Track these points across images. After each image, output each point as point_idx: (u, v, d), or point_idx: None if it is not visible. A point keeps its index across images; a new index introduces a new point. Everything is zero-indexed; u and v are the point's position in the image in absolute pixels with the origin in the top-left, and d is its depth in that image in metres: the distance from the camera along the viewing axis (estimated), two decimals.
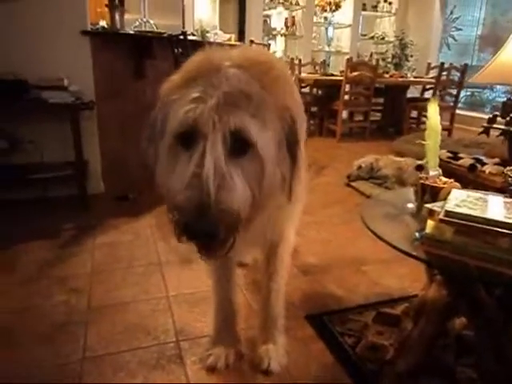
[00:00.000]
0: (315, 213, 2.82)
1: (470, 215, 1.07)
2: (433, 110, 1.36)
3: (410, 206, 1.46)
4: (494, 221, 1.04)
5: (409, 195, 1.52)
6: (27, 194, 2.84)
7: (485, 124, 1.24)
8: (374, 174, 3.33)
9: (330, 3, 7.13)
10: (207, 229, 0.80)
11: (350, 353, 1.50)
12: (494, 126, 1.22)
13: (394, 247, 1.17)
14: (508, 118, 1.22)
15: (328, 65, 7.33)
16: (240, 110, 0.84)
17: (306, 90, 5.96)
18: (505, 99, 5.15)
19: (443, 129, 1.33)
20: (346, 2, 7.25)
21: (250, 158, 0.87)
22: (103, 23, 3.41)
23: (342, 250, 2.34)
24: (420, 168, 2.40)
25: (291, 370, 1.42)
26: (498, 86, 6.92)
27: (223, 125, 0.82)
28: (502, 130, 1.22)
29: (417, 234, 1.21)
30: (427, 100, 5.63)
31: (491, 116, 1.22)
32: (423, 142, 1.39)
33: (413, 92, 6.38)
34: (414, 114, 6.02)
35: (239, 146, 0.85)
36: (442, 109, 5.42)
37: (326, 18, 7.32)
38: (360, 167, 3.38)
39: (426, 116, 5.29)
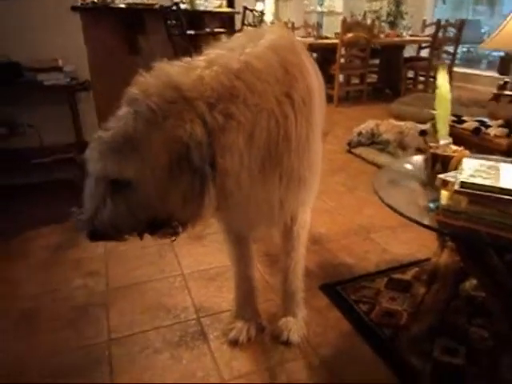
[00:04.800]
0: (320, 182, 2.83)
1: (484, 185, 1.09)
2: (442, 78, 1.35)
3: (420, 175, 1.47)
4: (508, 190, 1.06)
5: (417, 164, 1.53)
6: (30, 179, 2.83)
7: (495, 91, 1.23)
8: (376, 140, 3.32)
9: None
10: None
11: (365, 320, 1.56)
12: (506, 92, 1.22)
13: (410, 219, 1.19)
14: None
15: (321, 26, 7.15)
16: (117, 154, 0.94)
17: None
18: (502, 54, 5.05)
19: None
20: None
21: (132, 188, 0.97)
22: None
23: (349, 219, 2.37)
24: (424, 133, 2.41)
25: (310, 339, 1.48)
26: None
27: (101, 170, 0.97)
28: None
29: (431, 205, 1.23)
30: (424, 59, 5.53)
31: (502, 83, 1.21)
32: (433, 112, 1.39)
33: (409, 51, 6.26)
34: (411, 74, 5.93)
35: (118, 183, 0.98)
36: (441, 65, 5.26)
37: None
38: (360, 133, 3.37)
39: (422, 76, 5.20)
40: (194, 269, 1.92)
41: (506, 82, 1.21)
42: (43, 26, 2.68)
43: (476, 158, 1.41)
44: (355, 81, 6.05)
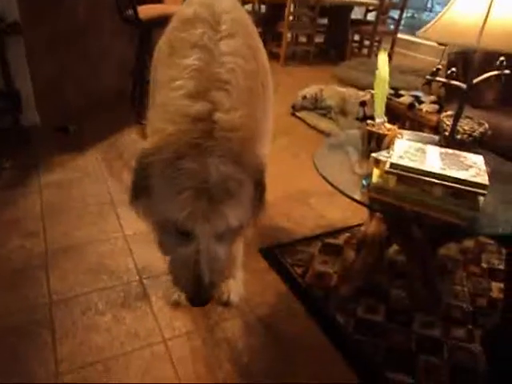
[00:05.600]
0: None
1: (411, 167, 1.20)
2: (382, 61, 1.43)
3: (356, 150, 1.57)
4: (431, 173, 1.18)
5: (356, 139, 1.63)
6: None
7: (428, 76, 1.33)
8: (318, 105, 3.41)
9: None
10: (204, 301, 1.04)
11: (299, 281, 1.69)
12: (437, 78, 1.32)
13: (344, 193, 1.30)
14: (449, 72, 1.31)
15: None
16: (223, 207, 0.94)
17: (249, 7, 5.67)
18: None
19: None
20: None
21: (228, 233, 1.03)
22: None
23: (289, 184, 2.47)
24: (363, 104, 2.52)
25: (249, 300, 1.59)
26: (438, 8, 7.03)
27: (212, 227, 0.97)
28: (443, 82, 1.32)
29: (364, 182, 1.33)
30: (370, 23, 5.57)
31: (434, 69, 1.31)
32: (371, 91, 1.47)
33: (356, 14, 6.31)
34: (357, 37, 6.01)
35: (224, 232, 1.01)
36: (383, 34, 5.40)
37: None
38: (305, 97, 3.43)
39: (367, 39, 5.26)
40: (136, 230, 1.94)
41: (438, 69, 1.30)
42: None
43: (408, 137, 1.53)
44: (302, 40, 6.03)
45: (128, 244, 1.85)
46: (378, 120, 1.51)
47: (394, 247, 1.76)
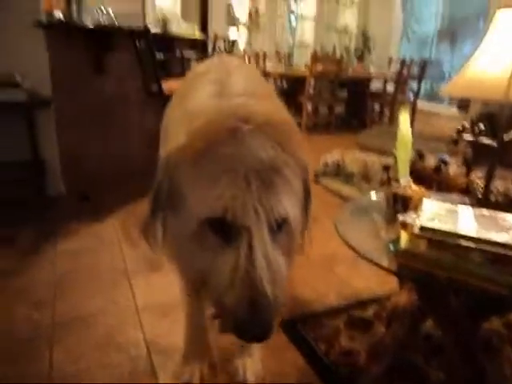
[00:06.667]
0: None
1: (443, 231, 1.09)
2: (404, 121, 1.37)
3: (382, 214, 1.47)
4: (467, 236, 1.06)
5: (380, 203, 1.54)
6: None
7: (454, 134, 1.26)
8: (341, 171, 3.37)
9: None
10: (265, 329, 0.73)
11: (323, 359, 1.51)
12: (465, 136, 1.24)
13: (369, 260, 1.18)
14: (476, 130, 1.24)
15: (291, 56, 7.32)
16: (277, 191, 0.77)
17: (271, 82, 5.93)
18: None
19: None
20: None
21: (283, 234, 0.82)
22: (59, 13, 3.22)
23: (312, 250, 2.34)
24: (387, 168, 2.45)
25: (266, 378, 1.42)
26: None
27: (267, 214, 0.76)
28: (472, 141, 1.25)
29: (391, 246, 1.22)
30: (390, 94, 5.71)
31: (460, 127, 1.24)
32: (394, 153, 1.40)
33: (376, 86, 6.50)
34: (377, 107, 6.14)
35: (277, 228, 0.80)
36: (402, 103, 5.51)
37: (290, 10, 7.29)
38: (327, 164, 3.40)
39: (388, 109, 5.38)
40: (148, 301, 1.83)
41: (464, 127, 1.24)
42: (3, 41, 2.58)
43: (436, 199, 1.43)
44: (324, 110, 6.19)
45: (139, 316, 1.74)
46: (402, 181, 1.42)
47: (430, 321, 1.58)
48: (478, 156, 2.03)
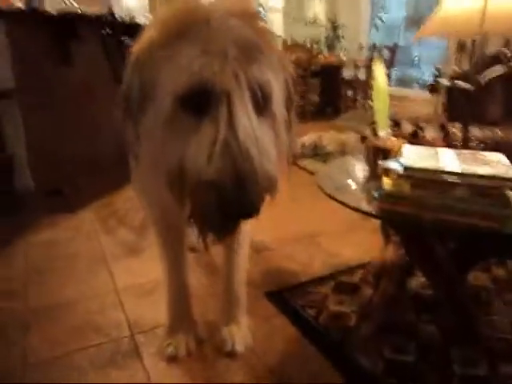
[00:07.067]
0: None
1: (428, 169, 1.06)
2: (379, 71, 1.34)
3: (359, 174, 1.43)
4: (451, 172, 1.04)
5: (350, 165, 1.51)
6: None
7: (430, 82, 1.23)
8: (318, 152, 3.34)
9: None
10: (253, 203, 0.67)
11: (313, 324, 1.47)
12: (441, 80, 1.22)
13: (354, 208, 1.14)
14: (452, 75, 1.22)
15: None
16: (258, 61, 0.72)
17: None
18: (431, 79, 5.30)
19: None
20: None
21: (267, 116, 0.76)
22: (19, 3, 3.09)
23: (293, 226, 2.31)
24: (364, 138, 2.43)
25: (256, 348, 1.36)
26: (423, 65, 7.29)
27: (247, 79, 0.70)
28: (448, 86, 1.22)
29: (375, 194, 1.18)
30: (362, 81, 5.70)
31: (437, 73, 1.22)
32: (371, 103, 1.37)
33: (347, 72, 6.53)
34: (350, 93, 6.16)
35: (259, 103, 0.73)
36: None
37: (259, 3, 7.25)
38: (304, 145, 3.38)
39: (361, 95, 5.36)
40: (128, 284, 1.75)
41: (438, 70, 1.21)
42: None
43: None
44: (298, 101, 6.18)
45: (119, 297, 1.66)
46: (381, 134, 1.39)
47: (418, 279, 1.56)
48: (454, 119, 2.03)
